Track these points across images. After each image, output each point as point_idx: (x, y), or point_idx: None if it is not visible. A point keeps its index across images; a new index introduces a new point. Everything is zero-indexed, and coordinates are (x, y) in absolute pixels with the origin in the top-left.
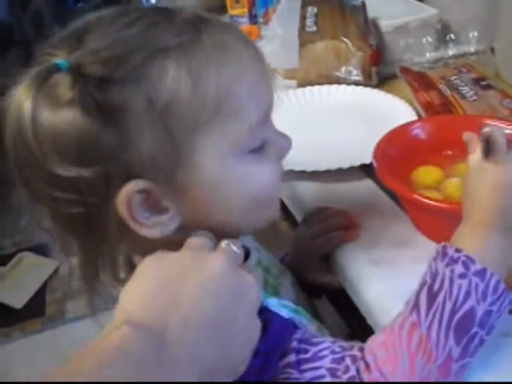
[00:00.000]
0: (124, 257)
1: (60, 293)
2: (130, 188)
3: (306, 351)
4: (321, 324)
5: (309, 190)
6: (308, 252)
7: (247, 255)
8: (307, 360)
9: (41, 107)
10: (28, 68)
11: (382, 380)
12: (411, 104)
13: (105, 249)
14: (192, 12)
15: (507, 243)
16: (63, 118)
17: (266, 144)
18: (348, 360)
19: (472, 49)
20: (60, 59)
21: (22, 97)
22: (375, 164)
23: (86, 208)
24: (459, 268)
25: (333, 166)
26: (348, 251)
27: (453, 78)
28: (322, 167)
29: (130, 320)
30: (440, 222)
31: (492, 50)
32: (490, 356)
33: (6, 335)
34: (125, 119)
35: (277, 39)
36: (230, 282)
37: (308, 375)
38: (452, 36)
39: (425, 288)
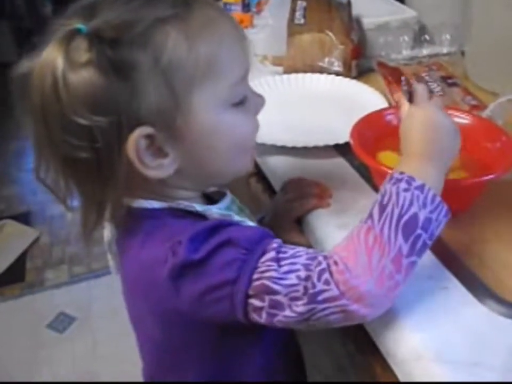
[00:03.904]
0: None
1: (40, 261)
2: (138, 133)
3: (285, 252)
4: None
5: (287, 164)
6: (283, 214)
7: (223, 195)
8: (285, 258)
9: (66, 66)
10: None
11: (346, 271)
12: (384, 95)
13: (108, 192)
14: None
15: (438, 168)
16: (82, 77)
17: (246, 100)
18: (320, 258)
19: (444, 50)
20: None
21: (54, 55)
22: (351, 141)
23: (97, 154)
24: (403, 185)
25: (310, 143)
26: (319, 216)
27: (423, 74)
28: (300, 144)
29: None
30: None
31: (462, 53)
32: (417, 293)
33: None
34: (134, 75)
35: (268, 28)
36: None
37: (285, 268)
38: (427, 37)
39: (377, 203)
